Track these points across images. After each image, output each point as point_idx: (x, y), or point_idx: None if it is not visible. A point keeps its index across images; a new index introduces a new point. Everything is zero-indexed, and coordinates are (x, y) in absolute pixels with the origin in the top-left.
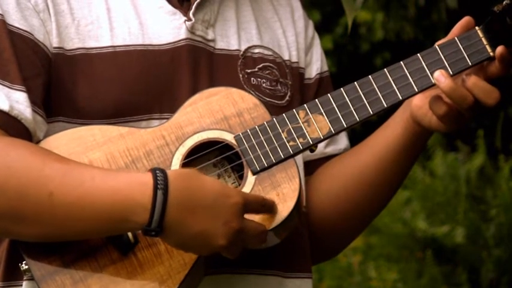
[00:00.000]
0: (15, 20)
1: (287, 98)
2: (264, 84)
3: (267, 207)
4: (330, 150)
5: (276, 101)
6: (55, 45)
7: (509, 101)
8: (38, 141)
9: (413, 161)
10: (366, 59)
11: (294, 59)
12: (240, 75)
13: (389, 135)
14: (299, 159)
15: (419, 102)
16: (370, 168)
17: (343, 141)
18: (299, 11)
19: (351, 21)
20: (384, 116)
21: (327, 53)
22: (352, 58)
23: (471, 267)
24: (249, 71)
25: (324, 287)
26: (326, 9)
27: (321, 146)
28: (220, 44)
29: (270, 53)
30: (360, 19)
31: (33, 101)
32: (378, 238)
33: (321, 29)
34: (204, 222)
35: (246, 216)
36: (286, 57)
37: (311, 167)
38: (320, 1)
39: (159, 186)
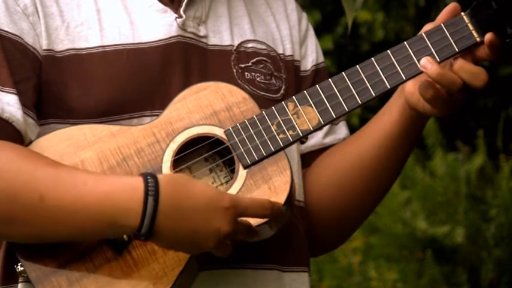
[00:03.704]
0: (4, 24)
1: (282, 91)
2: (258, 79)
3: (273, 209)
4: (329, 140)
5: (271, 95)
6: (45, 47)
7: (510, 100)
8: (29, 143)
9: (411, 146)
10: (366, 59)
11: (288, 52)
12: (234, 70)
13: (386, 121)
14: (292, 151)
15: (411, 89)
16: (369, 155)
17: (342, 130)
18: (292, 4)
19: (351, 21)
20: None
21: (327, 53)
22: (352, 58)
23: (471, 267)
24: (242, 65)
25: (324, 287)
26: (326, 9)
27: (319, 136)
28: (213, 40)
29: (263, 47)
30: (360, 19)
31: (24, 104)
32: (378, 238)
33: (321, 29)
34: (194, 227)
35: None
36: (280, 51)
37: (310, 159)
38: (320, 1)
39: (149, 192)
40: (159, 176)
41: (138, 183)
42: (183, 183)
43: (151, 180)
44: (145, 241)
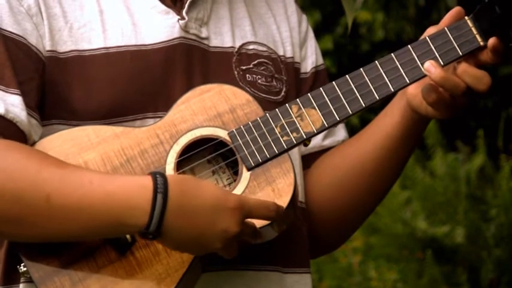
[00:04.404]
0: (8, 24)
1: (282, 93)
2: (259, 81)
3: (277, 211)
4: (328, 142)
5: (272, 97)
6: (48, 48)
7: (510, 100)
8: (32, 144)
9: (412, 148)
10: (366, 59)
11: (289, 54)
12: (235, 72)
13: (387, 123)
14: (293, 152)
15: (414, 91)
16: (370, 157)
17: (341, 133)
18: (292, 6)
19: (351, 21)
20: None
21: (327, 53)
22: (352, 58)
23: (471, 267)
24: (244, 67)
25: (324, 287)
26: (326, 9)
27: (318, 138)
28: (215, 42)
29: (264, 48)
30: (360, 19)
31: (28, 105)
32: (378, 238)
33: (321, 29)
34: (201, 227)
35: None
36: (281, 53)
37: (310, 160)
38: (320, 1)
39: (158, 190)
40: (168, 175)
41: (147, 181)
42: (190, 183)
43: (160, 178)
44: (153, 240)
